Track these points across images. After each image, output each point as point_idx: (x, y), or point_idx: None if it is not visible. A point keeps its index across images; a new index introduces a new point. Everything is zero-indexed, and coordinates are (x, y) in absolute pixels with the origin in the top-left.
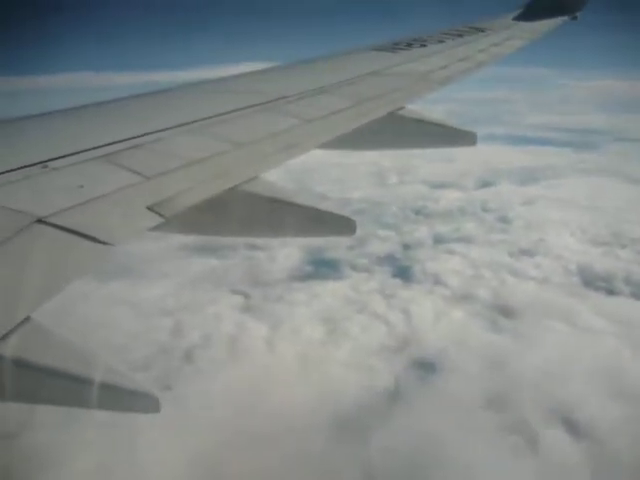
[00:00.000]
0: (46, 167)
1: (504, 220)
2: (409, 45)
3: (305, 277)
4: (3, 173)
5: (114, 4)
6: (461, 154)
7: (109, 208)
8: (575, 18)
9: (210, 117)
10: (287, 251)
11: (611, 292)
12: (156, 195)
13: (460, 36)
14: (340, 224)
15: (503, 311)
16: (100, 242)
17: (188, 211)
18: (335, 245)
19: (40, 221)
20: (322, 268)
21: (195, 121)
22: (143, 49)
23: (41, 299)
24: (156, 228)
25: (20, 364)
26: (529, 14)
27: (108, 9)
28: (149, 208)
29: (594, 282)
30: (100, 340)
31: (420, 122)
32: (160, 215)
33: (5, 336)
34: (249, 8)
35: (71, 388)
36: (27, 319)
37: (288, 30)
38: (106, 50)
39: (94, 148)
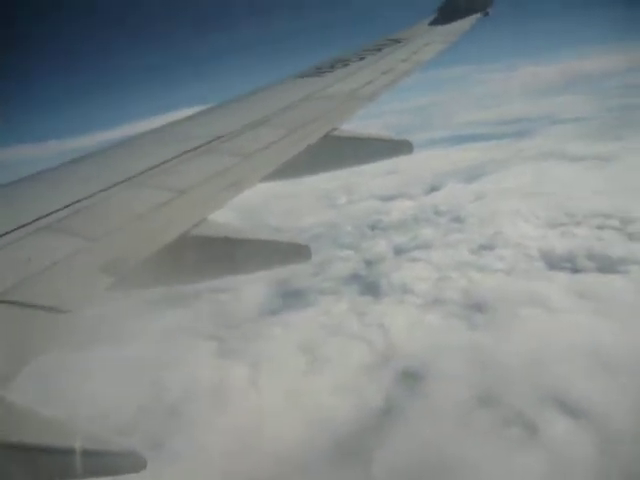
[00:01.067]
0: None
1: (458, 220)
2: (332, 67)
3: (275, 310)
4: None
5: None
6: (403, 164)
7: (61, 276)
8: (487, 14)
9: (148, 169)
10: (252, 288)
11: (576, 270)
12: (106, 255)
13: (379, 50)
14: (295, 252)
15: (476, 307)
16: (59, 311)
17: (142, 265)
18: (298, 274)
19: None
20: (290, 299)
21: (134, 176)
22: (66, 115)
23: (9, 378)
24: (113, 288)
25: None
26: (443, 17)
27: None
28: (101, 269)
29: (558, 263)
30: (80, 409)
31: (354, 139)
32: (114, 274)
33: None
34: (165, 58)
35: (54, 461)
36: None
37: (212, 71)
38: (27, 120)
39: (36, 220)
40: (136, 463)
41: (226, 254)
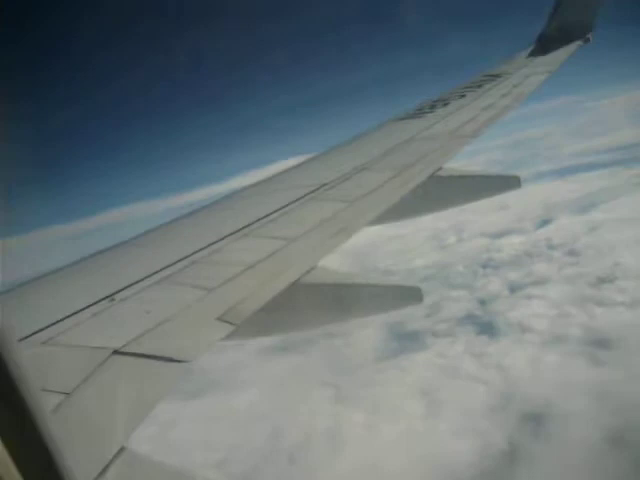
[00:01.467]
0: (113, 300)
1: (573, 253)
2: (432, 107)
3: (390, 354)
4: (77, 313)
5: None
6: (513, 199)
7: (179, 326)
8: (588, 40)
9: (258, 219)
10: (366, 332)
11: None
12: (223, 305)
13: (479, 86)
14: (406, 294)
15: (600, 344)
16: (177, 361)
17: (257, 314)
18: (411, 316)
19: (116, 352)
20: (405, 342)
21: (245, 226)
22: (177, 171)
23: (131, 427)
24: (229, 337)
25: None
26: (542, 47)
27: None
28: (218, 319)
29: None
30: (199, 457)
31: (461, 178)
32: (230, 324)
33: (104, 470)
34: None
35: None
36: (122, 449)
37: (315, 122)
38: (145, 179)
39: (155, 273)
40: None
41: (338, 300)
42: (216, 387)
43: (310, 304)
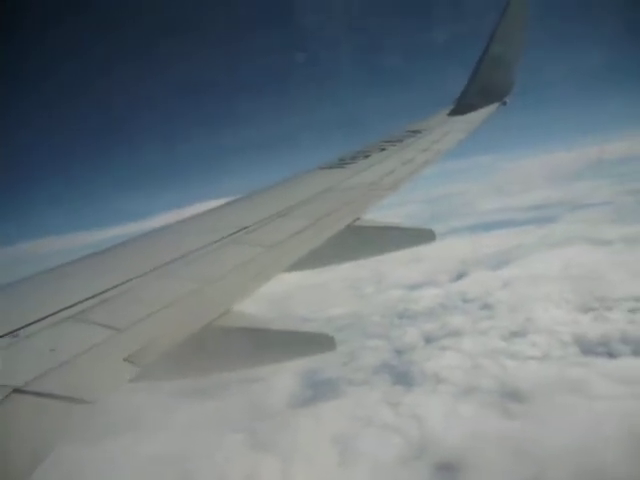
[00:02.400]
0: (17, 336)
1: (487, 307)
2: (354, 158)
3: (306, 401)
4: None
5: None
6: (428, 252)
7: (84, 366)
8: (505, 103)
9: (174, 260)
10: (281, 379)
11: (612, 355)
12: (131, 345)
13: (400, 141)
14: (318, 342)
15: (512, 396)
16: (80, 401)
17: (168, 356)
18: (328, 364)
19: (17, 391)
20: (320, 389)
21: (161, 266)
22: (96, 206)
23: (29, 471)
24: (137, 379)
25: None
26: (461, 107)
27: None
28: (126, 360)
29: (593, 349)
30: None
31: (377, 229)
32: (138, 365)
33: None
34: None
35: None
36: None
37: (238, 165)
38: (62, 213)
39: (63, 309)
40: None
41: (251, 345)
42: (124, 431)
43: (223, 348)
